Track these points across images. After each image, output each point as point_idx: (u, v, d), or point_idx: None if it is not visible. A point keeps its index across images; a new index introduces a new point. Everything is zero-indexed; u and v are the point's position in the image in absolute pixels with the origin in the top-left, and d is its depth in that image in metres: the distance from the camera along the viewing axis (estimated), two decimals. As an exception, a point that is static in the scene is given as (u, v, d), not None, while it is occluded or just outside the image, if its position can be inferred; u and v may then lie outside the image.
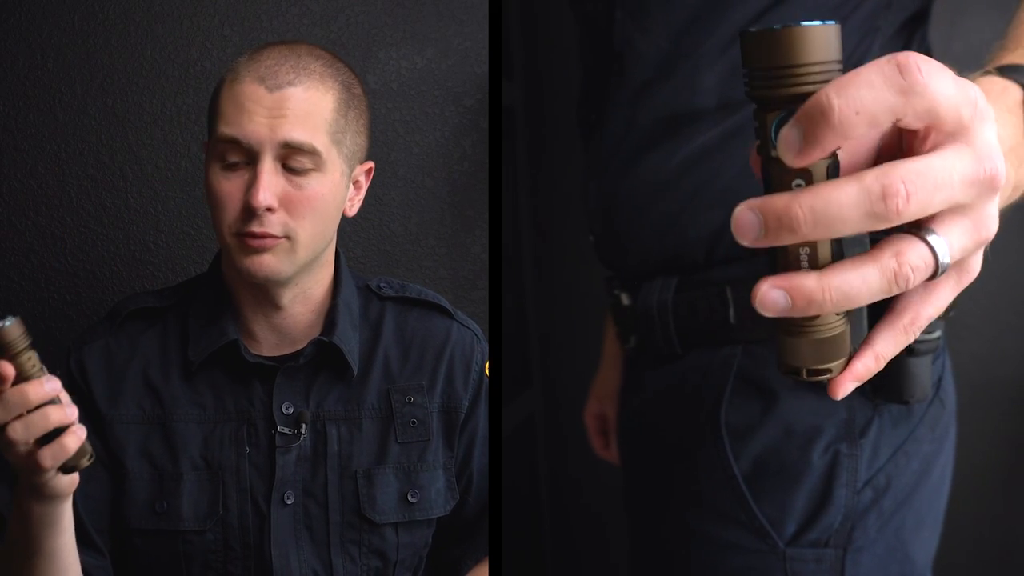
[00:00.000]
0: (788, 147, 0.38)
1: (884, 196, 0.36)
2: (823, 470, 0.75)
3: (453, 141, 1.19)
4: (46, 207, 1.13)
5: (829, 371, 0.43)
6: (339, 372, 0.89)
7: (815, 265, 0.40)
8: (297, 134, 0.81)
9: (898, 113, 0.37)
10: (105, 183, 1.14)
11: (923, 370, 0.74)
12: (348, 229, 1.11)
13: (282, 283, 0.86)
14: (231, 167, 0.82)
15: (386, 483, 0.89)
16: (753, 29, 0.41)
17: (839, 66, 0.40)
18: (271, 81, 0.82)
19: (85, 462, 0.72)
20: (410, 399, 0.91)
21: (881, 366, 0.44)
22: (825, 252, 0.40)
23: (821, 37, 0.39)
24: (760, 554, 0.76)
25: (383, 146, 1.17)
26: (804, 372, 0.43)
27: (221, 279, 0.90)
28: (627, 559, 0.95)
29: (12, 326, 0.68)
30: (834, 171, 0.40)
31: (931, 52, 0.84)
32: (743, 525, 0.77)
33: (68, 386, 0.74)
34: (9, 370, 0.68)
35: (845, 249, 0.41)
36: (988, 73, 0.54)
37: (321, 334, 0.89)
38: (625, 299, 0.88)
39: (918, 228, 0.40)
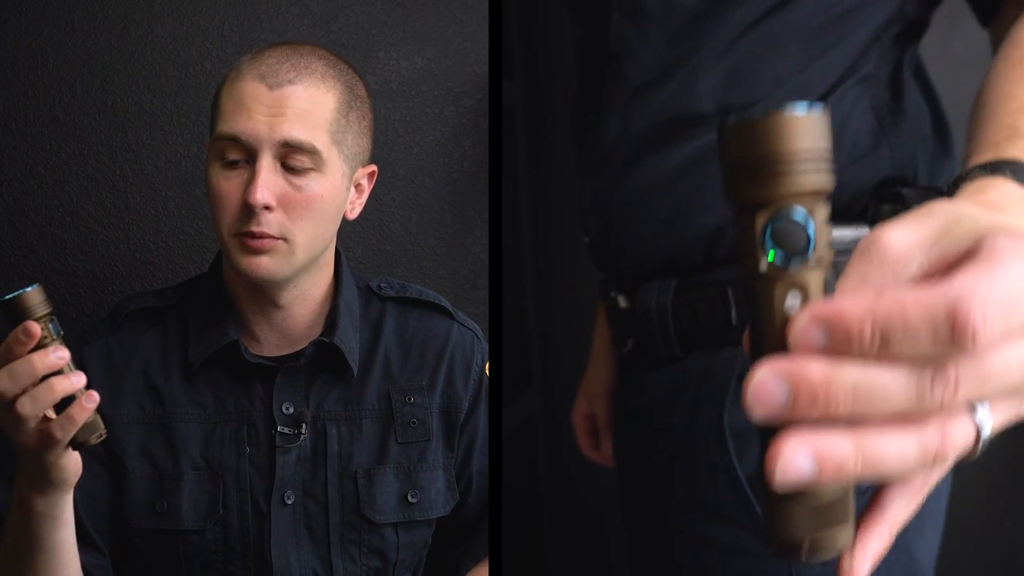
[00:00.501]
0: (803, 339, 0.34)
1: (933, 383, 0.33)
2: None
3: (453, 141, 1.19)
4: (46, 207, 1.13)
5: (834, 545, 0.37)
6: (339, 372, 0.89)
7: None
8: (297, 133, 0.81)
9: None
10: (105, 183, 1.14)
11: None
12: (348, 229, 1.10)
13: (280, 284, 0.85)
14: (231, 166, 0.82)
15: (386, 483, 0.89)
16: (732, 119, 0.37)
17: (829, 155, 0.37)
18: (272, 79, 0.81)
19: (94, 439, 0.71)
20: (410, 399, 0.91)
21: (895, 535, 0.40)
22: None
23: (813, 124, 0.36)
24: (766, 557, 0.76)
25: (383, 146, 1.17)
26: (804, 549, 0.37)
27: (221, 279, 0.90)
28: (627, 563, 0.95)
29: (32, 292, 0.69)
30: (831, 282, 0.37)
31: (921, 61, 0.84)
32: (748, 528, 0.76)
33: None
34: (35, 329, 0.67)
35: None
36: (996, 172, 0.49)
37: (322, 335, 0.89)
38: (622, 301, 0.88)
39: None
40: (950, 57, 0.94)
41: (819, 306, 0.34)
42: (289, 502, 0.87)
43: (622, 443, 0.96)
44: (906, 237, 0.37)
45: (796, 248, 0.36)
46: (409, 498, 0.90)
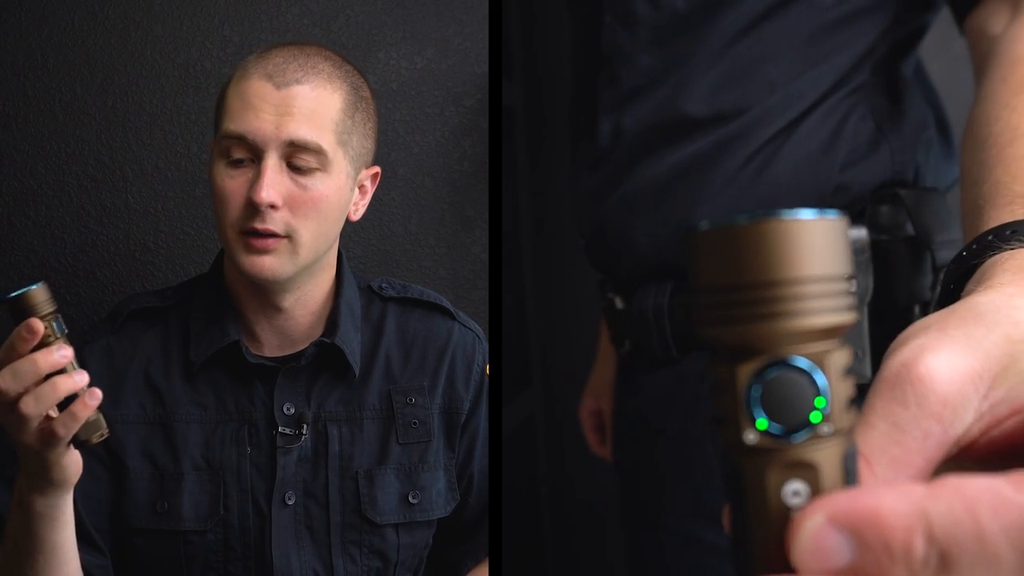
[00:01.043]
0: (815, 552, 0.24)
1: None
2: None
3: (453, 141, 1.19)
4: (46, 207, 1.13)
5: None
6: (340, 373, 0.89)
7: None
8: (303, 132, 0.81)
9: None
10: (105, 183, 1.14)
11: None
12: (348, 229, 1.10)
13: (283, 284, 0.85)
14: (236, 164, 0.82)
15: (387, 484, 0.89)
16: (705, 225, 0.26)
17: (849, 284, 0.26)
18: (279, 78, 0.81)
19: (96, 438, 0.71)
20: (411, 400, 0.91)
21: None
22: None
23: (825, 235, 0.25)
24: None
25: (383, 146, 1.17)
26: None
27: (223, 279, 0.90)
28: (624, 564, 0.95)
29: (37, 290, 0.69)
30: (852, 460, 0.26)
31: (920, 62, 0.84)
32: None
33: None
34: (39, 326, 0.67)
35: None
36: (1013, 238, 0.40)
37: (323, 335, 0.89)
38: (619, 303, 0.88)
39: None
40: (950, 57, 0.94)
41: (839, 500, 0.24)
42: (290, 503, 0.87)
43: (620, 443, 0.97)
44: (953, 367, 0.27)
45: (797, 415, 0.26)
46: (410, 499, 0.90)
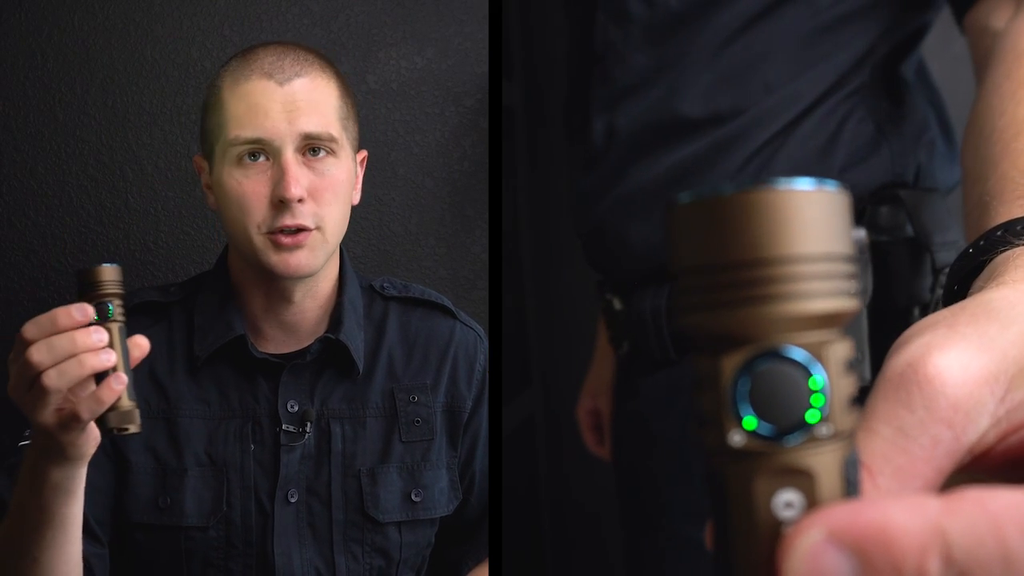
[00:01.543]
0: (812, 570, 0.20)
1: None
2: None
3: (453, 141, 1.19)
4: (46, 207, 1.13)
5: None
6: (344, 370, 0.89)
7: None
8: (314, 123, 0.82)
9: None
10: (105, 183, 1.14)
11: None
12: (348, 229, 1.10)
13: (307, 277, 0.86)
14: (249, 166, 0.82)
15: (390, 482, 0.89)
16: (686, 196, 0.23)
17: (849, 266, 0.23)
18: (280, 75, 0.82)
19: (135, 428, 0.69)
20: (414, 398, 0.91)
21: None
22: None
23: (824, 208, 0.22)
24: None
25: (383, 146, 1.17)
26: None
27: (228, 276, 0.90)
28: (624, 565, 0.95)
29: (107, 268, 0.69)
30: (853, 468, 0.23)
31: (922, 62, 0.84)
32: None
33: None
34: (89, 312, 0.66)
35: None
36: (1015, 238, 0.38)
37: (328, 331, 0.89)
38: (617, 304, 0.88)
39: None
40: (950, 57, 0.94)
41: (840, 514, 0.21)
42: (293, 500, 0.87)
43: (619, 444, 0.97)
44: (965, 367, 0.24)
45: (790, 414, 0.22)
46: (413, 497, 0.90)
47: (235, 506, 0.86)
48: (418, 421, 0.91)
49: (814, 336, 0.22)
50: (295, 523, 0.87)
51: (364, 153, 0.93)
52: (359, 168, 0.92)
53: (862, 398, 0.26)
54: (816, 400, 0.22)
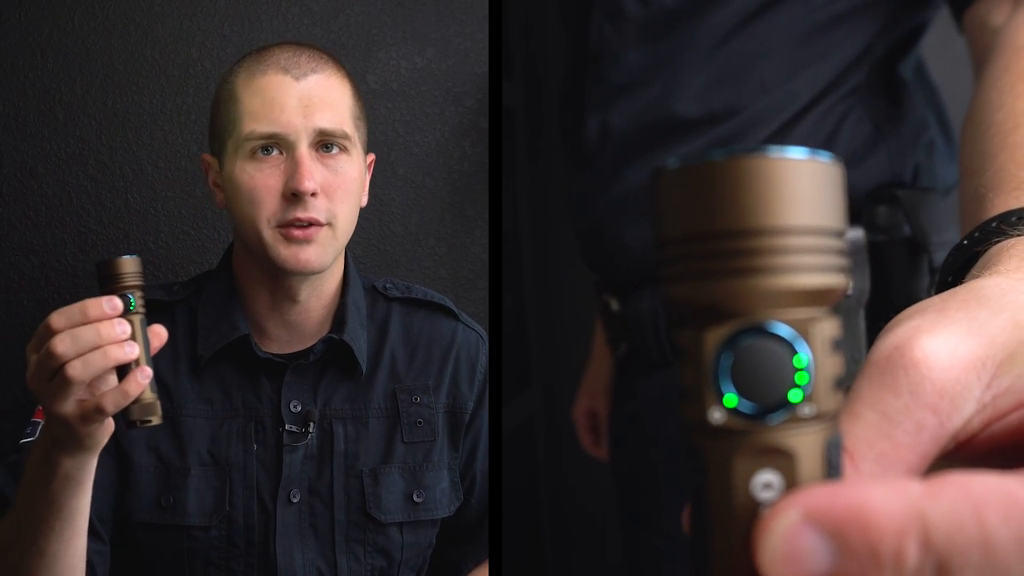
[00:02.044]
0: (788, 554, 0.20)
1: None
2: None
3: (453, 141, 1.19)
4: (46, 207, 1.13)
5: None
6: (347, 371, 0.89)
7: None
8: (329, 119, 0.83)
9: None
10: (105, 183, 1.14)
11: None
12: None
13: (315, 273, 0.86)
14: (262, 160, 0.82)
15: (392, 483, 0.89)
16: (673, 161, 0.22)
17: (840, 242, 0.22)
18: (296, 71, 0.83)
19: (157, 420, 0.70)
20: (416, 399, 0.91)
21: None
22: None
23: (817, 178, 0.21)
24: None
25: (383, 146, 1.17)
26: None
27: (232, 275, 0.90)
28: (623, 565, 0.95)
29: (128, 260, 0.69)
30: (835, 450, 0.22)
31: (922, 62, 0.84)
32: None
33: None
34: (119, 305, 0.66)
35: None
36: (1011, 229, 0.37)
37: (331, 331, 0.89)
38: (614, 304, 0.87)
39: None
40: (951, 57, 0.94)
41: (818, 496, 0.20)
42: (295, 500, 0.87)
43: (617, 445, 0.97)
44: (952, 352, 0.24)
45: (773, 392, 0.22)
46: (414, 498, 0.90)
47: (237, 506, 0.86)
48: (420, 422, 0.91)
49: (801, 313, 0.22)
50: (297, 523, 0.87)
51: (372, 156, 0.93)
52: (369, 171, 0.93)
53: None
54: (800, 378, 0.22)
